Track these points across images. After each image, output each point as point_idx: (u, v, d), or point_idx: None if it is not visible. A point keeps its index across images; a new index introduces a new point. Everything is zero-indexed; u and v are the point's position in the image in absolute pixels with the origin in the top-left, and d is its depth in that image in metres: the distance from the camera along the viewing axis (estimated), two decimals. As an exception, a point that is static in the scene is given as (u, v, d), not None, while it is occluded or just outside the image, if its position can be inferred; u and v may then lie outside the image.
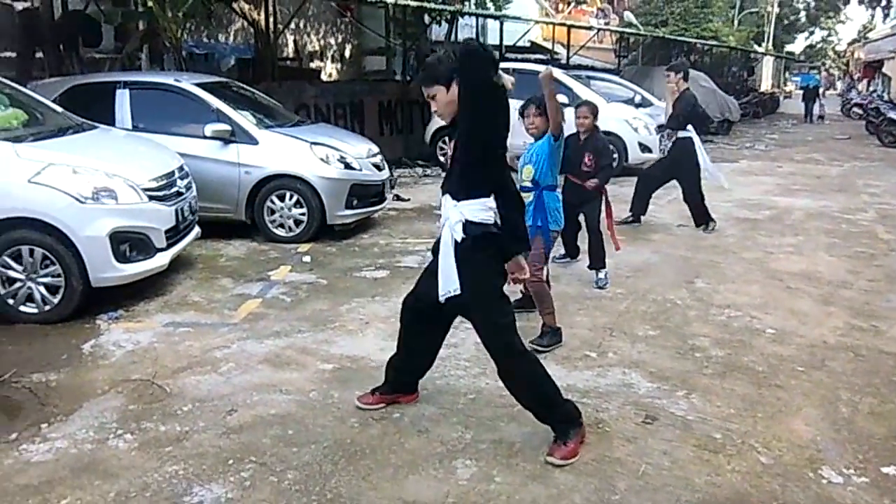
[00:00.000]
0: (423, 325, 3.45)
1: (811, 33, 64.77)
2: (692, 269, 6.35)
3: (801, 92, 33.61)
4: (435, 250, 3.23)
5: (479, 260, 3.05)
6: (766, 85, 43.63)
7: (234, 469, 3.11)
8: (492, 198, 3.03)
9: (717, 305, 5.38)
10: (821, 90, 31.30)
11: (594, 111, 5.71)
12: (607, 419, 3.57)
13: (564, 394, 3.75)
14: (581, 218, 5.87)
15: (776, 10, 46.97)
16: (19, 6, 9.05)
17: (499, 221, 3.05)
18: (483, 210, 3.01)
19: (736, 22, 37.51)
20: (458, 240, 3.01)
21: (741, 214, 8.96)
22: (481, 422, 3.52)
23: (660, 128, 8.34)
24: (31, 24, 9.25)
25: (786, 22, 53.95)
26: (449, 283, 3.06)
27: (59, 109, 6.17)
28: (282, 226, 7.13)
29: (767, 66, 47.08)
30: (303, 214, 7.05)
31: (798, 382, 4.07)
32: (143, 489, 2.98)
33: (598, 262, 5.84)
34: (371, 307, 5.22)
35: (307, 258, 6.52)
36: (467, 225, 3.01)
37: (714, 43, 27.32)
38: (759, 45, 42.50)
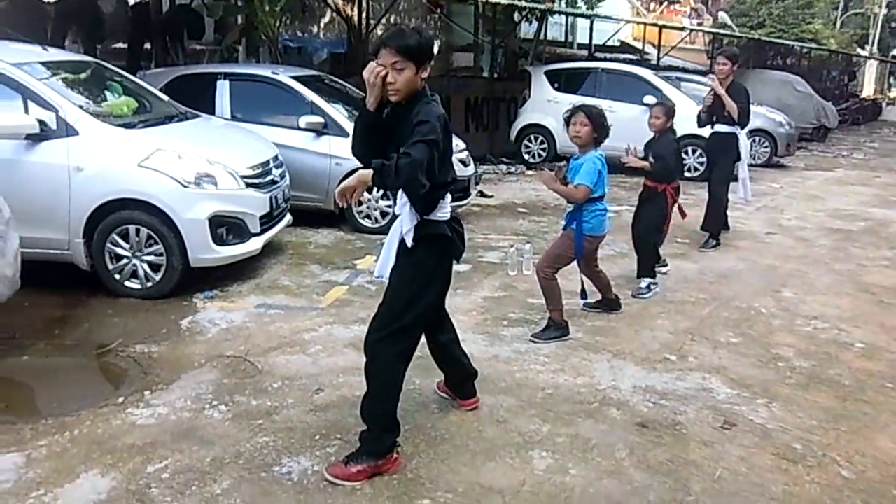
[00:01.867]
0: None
1: (921, 37, 61.43)
2: (779, 278, 6.22)
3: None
4: None
5: (418, 261, 3.05)
6: (868, 90, 41.71)
7: (321, 444, 3.29)
8: (447, 196, 3.05)
9: (803, 316, 5.27)
10: None
11: (668, 112, 5.64)
12: (684, 422, 3.59)
13: (641, 394, 3.81)
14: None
15: (884, 10, 44.77)
16: (132, 1, 9.57)
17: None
18: (440, 209, 3.03)
19: (839, 24, 36.01)
20: (409, 244, 3.01)
21: (834, 225, 8.68)
22: (558, 416, 3.59)
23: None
24: (141, 17, 9.79)
25: (893, 24, 51.32)
26: (383, 268, 3.12)
27: (166, 98, 6.53)
28: (368, 217, 7.35)
29: (871, 71, 44.96)
30: (389, 206, 7.22)
31: (886, 399, 3.97)
32: (236, 457, 3.19)
33: (641, 269, 5.71)
34: (453, 300, 5.29)
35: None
36: (419, 227, 3.01)
37: (813, 46, 26.31)
38: (863, 49, 40.63)
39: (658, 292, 5.60)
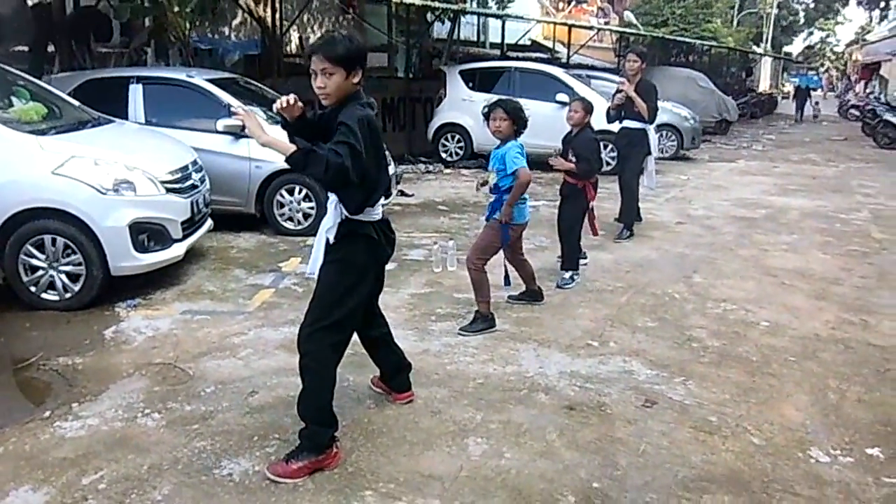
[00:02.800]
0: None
1: (809, 34, 65.15)
2: (690, 265, 6.56)
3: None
4: None
5: (341, 259, 3.12)
6: (764, 86, 43.93)
7: (259, 445, 3.31)
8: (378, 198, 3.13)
9: (713, 299, 5.58)
10: (816, 91, 32.25)
11: (587, 108, 5.75)
12: (609, 402, 3.78)
13: (568, 379, 3.99)
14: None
15: (775, 11, 47.21)
16: (32, 1, 9.20)
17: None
18: (368, 212, 3.11)
19: (735, 22, 37.74)
20: (330, 240, 3.10)
21: (738, 213, 9.17)
22: (490, 404, 3.73)
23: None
24: (43, 19, 9.41)
25: (784, 23, 54.22)
26: (314, 265, 3.20)
27: (76, 103, 6.34)
28: (291, 219, 7.33)
29: (766, 67, 47.37)
30: (311, 208, 7.24)
31: (790, 371, 4.28)
32: (174, 462, 3.18)
33: (567, 262, 5.89)
34: (381, 298, 5.39)
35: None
36: (342, 225, 3.08)
37: (713, 43, 27.53)
38: (758, 46, 42.74)
39: (579, 282, 5.82)
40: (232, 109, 3.40)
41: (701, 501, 2.96)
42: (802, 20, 58.93)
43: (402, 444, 3.32)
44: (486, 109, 4.75)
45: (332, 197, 3.10)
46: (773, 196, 10.64)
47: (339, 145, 2.80)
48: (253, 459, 3.20)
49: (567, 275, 5.81)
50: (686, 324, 5.04)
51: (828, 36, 68.22)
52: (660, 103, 7.71)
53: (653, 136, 7.51)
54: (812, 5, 57.04)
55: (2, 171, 4.91)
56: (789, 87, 52.13)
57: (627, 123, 7.42)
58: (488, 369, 4.16)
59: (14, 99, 5.69)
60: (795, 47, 66.09)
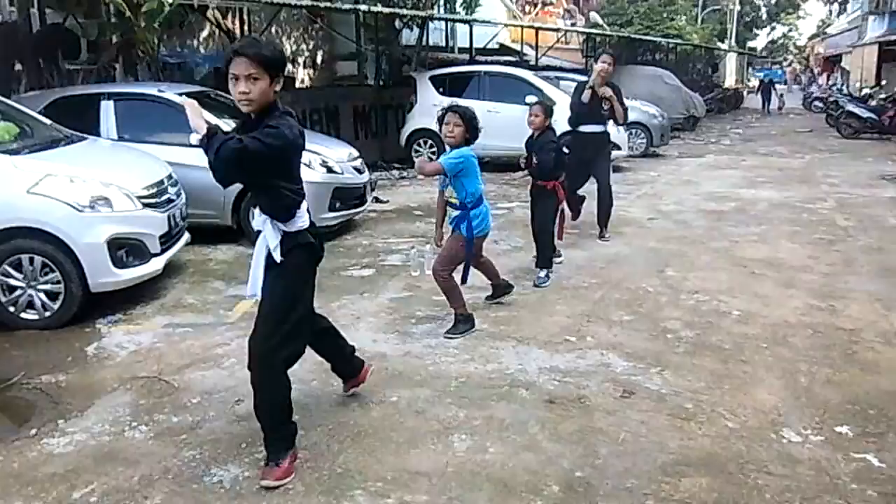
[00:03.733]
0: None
1: (772, 29, 66.18)
2: (662, 259, 6.70)
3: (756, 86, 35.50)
4: None
5: (289, 272, 3.14)
6: (730, 81, 44.50)
7: (248, 452, 3.36)
8: (303, 204, 3.15)
9: (686, 291, 5.72)
10: (780, 84, 33.22)
11: (546, 111, 5.81)
12: (588, 395, 3.89)
13: (547, 374, 4.09)
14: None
15: (737, 7, 47.92)
16: (-2, 21, 9.17)
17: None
18: (299, 219, 3.16)
19: (699, 20, 38.28)
20: (278, 260, 3.10)
21: (708, 207, 9.36)
22: (473, 401, 3.82)
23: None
24: (10, 37, 9.37)
25: (747, 19, 55.06)
26: (255, 286, 3.17)
27: (48, 122, 6.33)
28: (268, 229, 7.35)
29: (731, 63, 48.01)
30: (287, 219, 7.26)
31: (761, 357, 4.42)
32: (164, 472, 3.22)
33: (542, 260, 5.98)
34: (361, 303, 5.49)
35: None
36: (285, 240, 3.10)
37: (678, 41, 27.93)
38: (723, 42, 43.37)
39: (554, 280, 5.93)
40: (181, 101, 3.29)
41: (680, 485, 3.07)
42: (765, 16, 59.91)
43: (388, 444, 3.40)
44: (441, 113, 4.73)
45: (261, 216, 3.13)
46: (741, 189, 10.85)
47: (252, 139, 2.82)
48: (242, 466, 3.25)
49: (542, 273, 5.91)
50: (660, 316, 5.17)
51: (790, 30, 69.39)
52: (629, 102, 7.77)
53: (623, 135, 7.58)
54: (774, 1, 58.02)
55: (-22, 193, 4.90)
56: (754, 82, 53.03)
57: (590, 128, 7.22)
58: (469, 368, 4.25)
59: (-15, 119, 5.69)
60: (759, 42, 67.15)
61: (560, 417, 3.64)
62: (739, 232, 7.88)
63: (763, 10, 59.00)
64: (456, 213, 4.79)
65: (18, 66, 9.67)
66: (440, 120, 4.71)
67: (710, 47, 35.26)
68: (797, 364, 4.31)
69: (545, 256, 6.00)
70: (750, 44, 60.23)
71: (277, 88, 2.95)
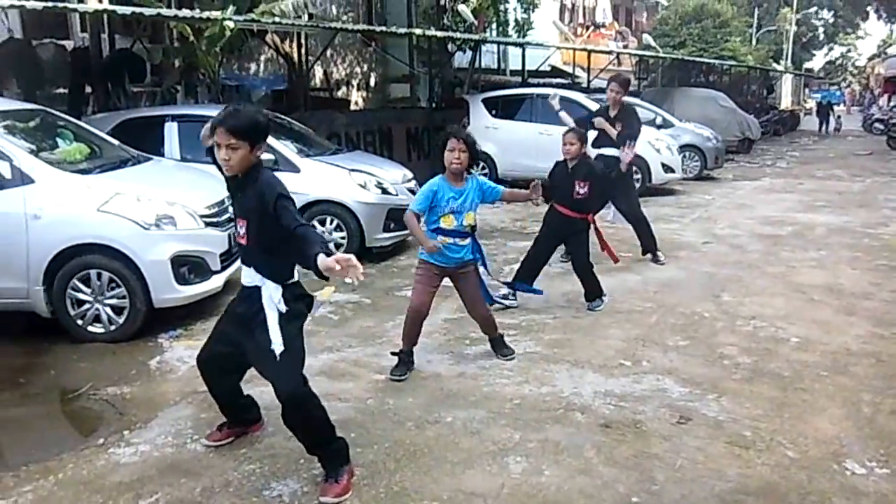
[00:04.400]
0: (225, 374, 3.64)
1: (830, 49, 64.92)
2: (718, 284, 6.61)
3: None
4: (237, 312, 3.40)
5: (294, 317, 3.21)
6: (786, 102, 43.73)
7: (306, 467, 3.42)
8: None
9: (742, 317, 5.64)
10: (838, 105, 33.07)
11: (581, 137, 5.68)
12: (644, 420, 3.86)
13: (602, 398, 4.08)
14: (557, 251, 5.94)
15: (794, 27, 47.18)
16: (71, 46, 9.58)
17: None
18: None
19: (754, 41, 37.80)
20: (283, 311, 3.15)
21: (764, 231, 9.20)
22: (528, 423, 3.82)
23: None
24: (81, 62, 9.80)
25: (804, 39, 54.14)
26: (278, 343, 3.13)
27: (116, 142, 6.59)
28: (324, 249, 7.48)
29: (787, 84, 47.18)
30: (343, 238, 7.40)
31: (822, 386, 4.33)
32: (225, 485, 3.30)
33: (594, 293, 5.84)
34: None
35: (349, 279, 6.84)
36: (286, 292, 3.17)
37: (733, 63, 27.60)
38: (778, 63, 42.70)
39: (607, 303, 5.89)
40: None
41: (738, 514, 3.03)
42: (823, 36, 58.78)
43: (443, 464, 3.43)
44: (444, 139, 4.43)
45: (256, 277, 3.21)
46: (799, 213, 10.65)
47: (307, 228, 3.01)
48: (300, 481, 3.32)
49: (597, 301, 5.86)
50: (716, 342, 5.10)
51: (849, 51, 67.97)
52: (682, 124, 7.73)
53: (676, 158, 7.46)
54: (832, 21, 56.91)
55: (51, 210, 5.11)
56: (811, 104, 52.01)
57: (605, 151, 7.16)
58: (524, 390, 4.26)
59: (59, 140, 5.95)
60: (816, 63, 65.90)
61: (616, 442, 3.63)
62: (797, 257, 7.73)
63: (821, 30, 57.92)
64: (465, 242, 4.52)
65: (88, 89, 10.08)
66: (442, 147, 4.43)
67: (765, 68, 34.75)
68: (860, 394, 4.21)
69: (594, 289, 5.85)
70: (807, 65, 59.15)
71: (259, 154, 3.13)
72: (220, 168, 3.23)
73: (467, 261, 4.58)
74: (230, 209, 6.12)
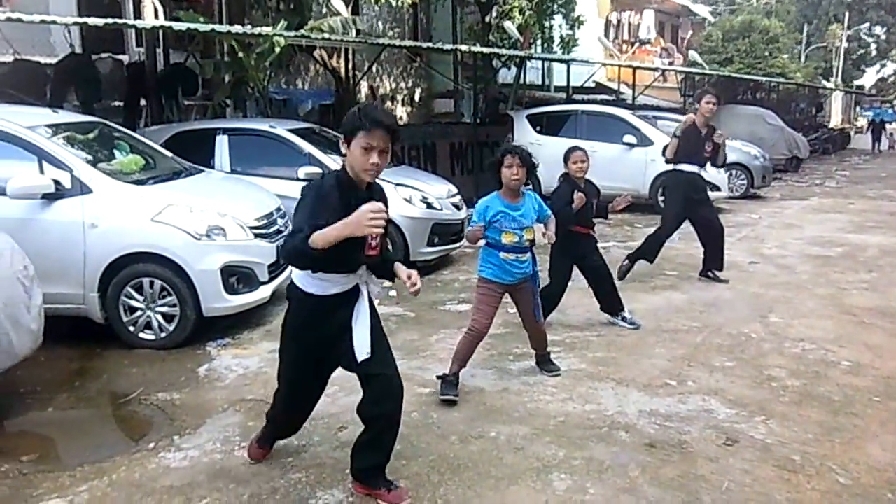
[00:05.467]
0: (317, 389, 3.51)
1: (882, 66, 63.46)
2: (765, 305, 6.51)
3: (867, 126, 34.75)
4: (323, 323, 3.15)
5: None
6: (835, 120, 42.92)
7: (351, 479, 3.46)
8: None
9: (791, 339, 5.54)
10: (891, 124, 32.48)
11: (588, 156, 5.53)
12: (690, 440, 3.82)
13: (647, 417, 4.05)
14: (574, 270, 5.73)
15: (845, 44, 46.34)
16: (128, 61, 9.88)
17: None
18: None
19: (803, 57, 37.22)
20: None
21: (813, 251, 9.03)
22: (572, 441, 3.81)
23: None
24: (137, 76, 10.10)
25: (855, 56, 53.11)
26: (364, 348, 3.08)
27: (169, 154, 6.78)
28: (369, 260, 7.57)
29: (837, 102, 46.32)
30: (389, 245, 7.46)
31: (874, 412, 4.23)
32: (272, 493, 3.36)
33: (619, 304, 5.82)
34: (458, 338, 5.51)
35: (393, 293, 6.92)
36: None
37: (781, 80, 27.20)
38: (828, 81, 41.96)
39: (652, 322, 5.84)
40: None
41: (788, 539, 2.98)
42: (875, 52, 57.56)
43: (487, 479, 3.44)
44: (499, 156, 4.36)
45: (357, 277, 3.15)
46: (849, 233, 10.42)
47: None
48: (346, 491, 3.36)
49: (626, 313, 5.83)
50: (764, 363, 5.02)
51: (901, 68, 66.36)
52: (728, 142, 7.63)
53: (723, 176, 7.34)
54: (884, 37, 55.69)
55: (105, 219, 5.28)
56: (862, 122, 50.87)
57: (685, 167, 7.06)
58: (568, 408, 4.25)
59: (116, 152, 6.14)
60: (868, 80, 64.43)
61: (661, 462, 3.60)
62: (847, 279, 7.57)
63: (872, 46, 56.73)
64: (526, 257, 4.48)
65: (143, 102, 10.38)
66: (498, 164, 4.35)
67: (814, 86, 34.18)
68: (914, 420, 4.11)
69: (618, 299, 5.83)
70: (857, 82, 57.92)
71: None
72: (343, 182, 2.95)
73: (529, 275, 4.55)
74: (278, 221, 6.27)
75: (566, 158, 5.51)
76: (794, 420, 4.10)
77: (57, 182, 5.25)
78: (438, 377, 4.52)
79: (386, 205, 2.95)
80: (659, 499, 3.26)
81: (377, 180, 3.05)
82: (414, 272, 3.06)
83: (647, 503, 3.22)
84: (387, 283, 7.14)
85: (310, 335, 3.16)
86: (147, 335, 5.44)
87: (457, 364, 4.47)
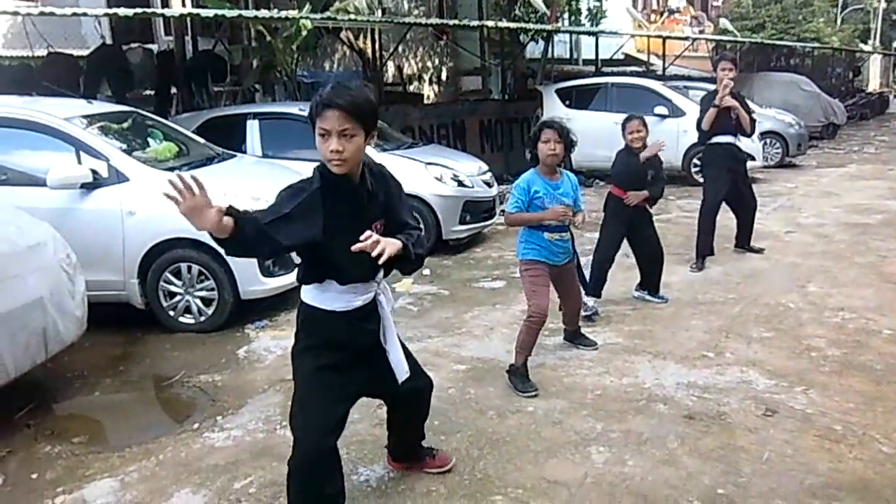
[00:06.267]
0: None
1: (923, 27, 61.53)
2: (803, 275, 6.42)
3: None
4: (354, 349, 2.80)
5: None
6: (874, 85, 41.77)
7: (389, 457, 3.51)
8: None
9: (830, 308, 5.47)
10: None
11: (645, 123, 5.42)
12: (729, 412, 3.81)
13: (685, 390, 4.05)
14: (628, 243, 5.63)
15: (883, 4, 44.97)
16: (157, 49, 9.99)
17: None
18: None
19: (839, 20, 36.24)
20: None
21: (851, 220, 8.86)
22: (610, 414, 3.83)
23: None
24: (167, 64, 10.21)
25: (894, 17, 51.49)
26: (402, 367, 2.84)
27: (202, 140, 6.85)
28: (402, 242, 7.60)
29: (875, 65, 45.02)
30: (420, 231, 7.48)
31: (918, 380, 4.17)
32: (314, 469, 3.42)
33: (658, 285, 5.73)
34: (493, 315, 5.60)
35: (427, 271, 6.96)
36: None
37: (816, 45, 26.55)
38: (866, 44, 40.79)
39: (689, 294, 5.80)
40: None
41: (830, 508, 2.97)
42: (914, 13, 55.76)
43: (526, 453, 3.47)
44: (536, 130, 4.24)
45: (375, 286, 2.76)
46: (889, 200, 10.19)
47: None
48: (387, 467, 3.41)
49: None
50: (803, 333, 4.97)
51: (943, 28, 64.30)
52: (762, 110, 7.42)
53: (757, 145, 7.12)
54: (924, -3, 53.97)
55: (143, 206, 5.36)
56: (902, 85, 49.45)
57: (724, 138, 6.81)
58: (605, 381, 4.26)
59: (150, 139, 6.23)
60: (907, 42, 62.52)
61: (700, 433, 3.59)
62: (888, 246, 7.42)
63: (912, 6, 54.95)
64: (568, 235, 4.35)
65: (174, 90, 10.50)
66: (535, 139, 4.21)
67: (851, 49, 33.27)
68: (959, 388, 4.04)
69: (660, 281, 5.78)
70: (896, 44, 56.28)
71: (371, 144, 2.66)
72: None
73: (572, 253, 4.43)
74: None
75: (623, 129, 5.42)
76: (835, 390, 4.05)
77: (94, 172, 5.35)
78: (510, 370, 4.27)
79: (389, 192, 2.69)
80: (699, 470, 3.26)
81: (404, 159, 2.89)
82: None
83: (687, 474, 3.23)
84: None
85: (334, 358, 2.76)
86: (187, 319, 5.54)
87: (522, 355, 4.23)
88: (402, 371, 2.83)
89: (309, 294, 2.77)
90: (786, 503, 3.01)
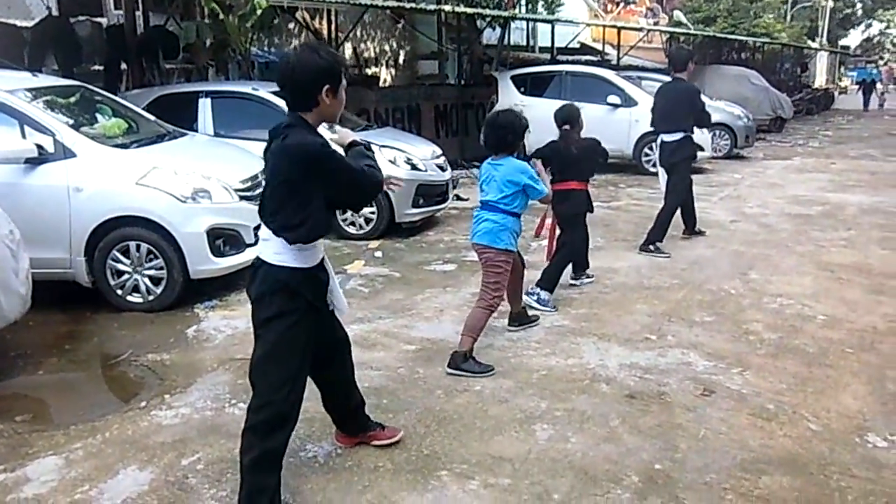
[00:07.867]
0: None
1: (868, 26, 63.33)
2: (746, 262, 6.63)
3: (856, 87, 36.11)
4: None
5: None
6: (820, 81, 42.92)
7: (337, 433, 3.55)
8: None
9: (769, 294, 5.67)
10: (878, 83, 34.28)
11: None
12: (668, 392, 3.95)
13: (627, 370, 4.17)
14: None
15: (830, 3, 46.13)
16: (106, 23, 9.74)
17: None
18: None
19: (788, 17, 37.08)
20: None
21: (793, 210, 9.15)
22: (554, 393, 3.93)
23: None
24: (117, 39, 9.96)
25: (840, 16, 52.90)
26: (345, 304, 3.09)
27: (152, 118, 6.74)
28: (353, 224, 7.62)
29: (822, 62, 46.26)
30: (373, 213, 7.52)
31: (847, 363, 4.37)
32: (263, 446, 3.44)
33: (586, 264, 5.94)
34: (444, 297, 5.66)
35: (379, 253, 6.99)
36: None
37: (766, 40, 27.13)
38: (813, 41, 41.84)
39: (634, 279, 5.95)
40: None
41: (759, 482, 3.11)
42: (861, 12, 57.35)
43: (472, 430, 3.54)
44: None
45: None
46: (829, 192, 10.55)
47: None
48: (334, 444, 3.45)
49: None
50: (743, 318, 5.15)
51: (887, 27, 66.19)
52: (713, 102, 7.62)
53: (706, 137, 7.35)
54: (870, -3, 55.52)
55: (90, 183, 5.27)
56: (847, 82, 50.92)
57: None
58: (551, 362, 4.36)
59: (98, 115, 6.11)
60: (853, 40, 64.33)
61: (640, 412, 3.72)
62: (826, 236, 7.70)
63: (858, 5, 56.50)
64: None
65: (123, 66, 10.26)
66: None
67: (799, 46, 34.09)
68: (885, 371, 4.25)
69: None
70: (842, 42, 57.85)
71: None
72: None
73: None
74: (263, 183, 6.27)
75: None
76: (770, 371, 4.23)
77: (40, 147, 5.22)
78: (457, 358, 4.21)
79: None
80: (638, 446, 3.38)
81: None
82: None
83: (627, 450, 3.34)
84: (373, 245, 7.23)
85: (308, 316, 2.88)
86: (135, 298, 5.47)
87: (470, 339, 4.24)
88: (344, 307, 3.06)
89: (289, 256, 2.80)
90: (719, 477, 3.14)
